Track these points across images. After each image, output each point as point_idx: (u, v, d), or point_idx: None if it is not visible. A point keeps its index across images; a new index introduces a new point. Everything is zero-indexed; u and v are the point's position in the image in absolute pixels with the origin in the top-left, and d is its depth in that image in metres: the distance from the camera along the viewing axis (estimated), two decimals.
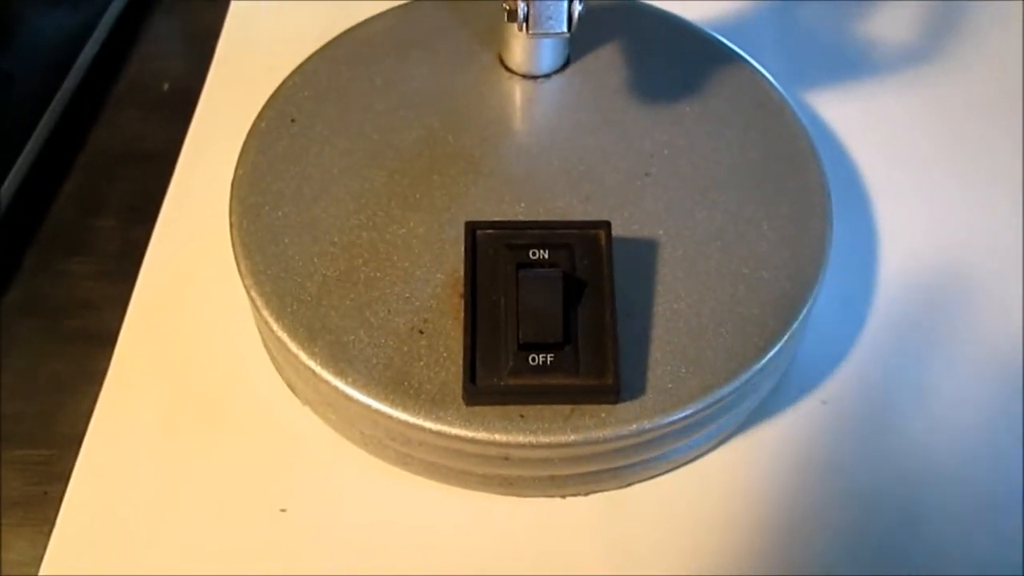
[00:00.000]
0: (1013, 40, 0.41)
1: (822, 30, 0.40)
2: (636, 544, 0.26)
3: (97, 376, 0.29)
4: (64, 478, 0.27)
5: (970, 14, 0.41)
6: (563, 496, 0.27)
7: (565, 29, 0.26)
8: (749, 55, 0.33)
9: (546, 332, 0.24)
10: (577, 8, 0.26)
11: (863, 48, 0.39)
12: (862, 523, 0.26)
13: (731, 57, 0.32)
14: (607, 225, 0.25)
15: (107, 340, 0.30)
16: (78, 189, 0.35)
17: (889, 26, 0.41)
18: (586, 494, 0.27)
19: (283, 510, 0.27)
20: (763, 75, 0.32)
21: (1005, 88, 0.39)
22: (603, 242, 0.25)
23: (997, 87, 0.39)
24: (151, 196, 0.34)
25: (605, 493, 0.27)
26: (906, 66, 0.39)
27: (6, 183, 0.33)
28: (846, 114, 0.36)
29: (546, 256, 0.25)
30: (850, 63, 0.39)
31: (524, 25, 0.26)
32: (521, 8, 0.26)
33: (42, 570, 0.26)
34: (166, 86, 0.39)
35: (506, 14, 0.27)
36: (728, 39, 0.33)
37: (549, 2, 0.25)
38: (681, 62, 0.32)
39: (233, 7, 0.41)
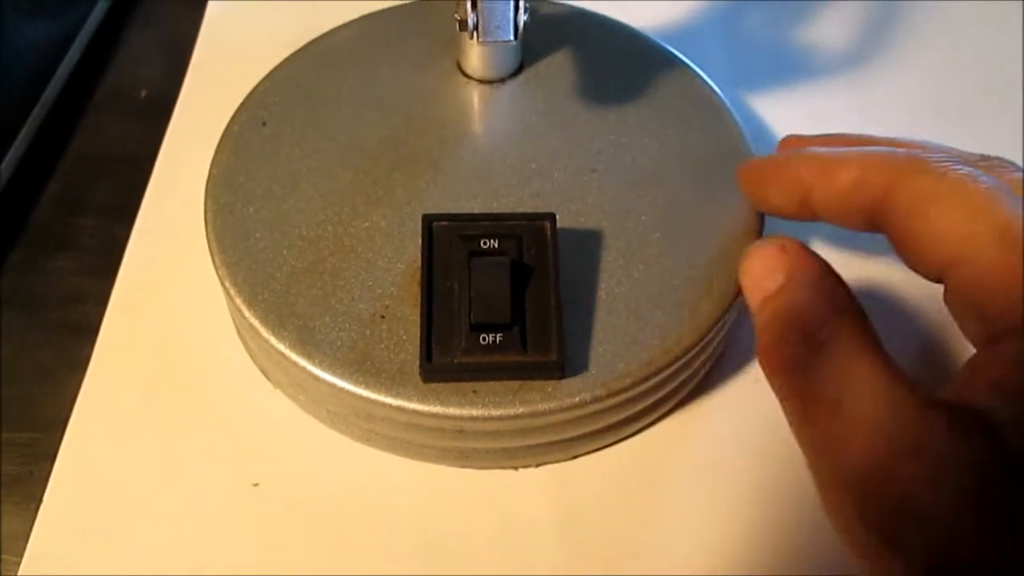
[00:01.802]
0: (949, 42, 0.42)
1: (764, 36, 0.42)
2: (584, 512, 0.28)
3: (81, 364, 0.30)
4: (50, 458, 0.28)
5: (907, 18, 0.43)
6: (515, 468, 0.28)
7: (512, 37, 0.28)
8: (694, 60, 0.34)
9: (495, 314, 0.25)
10: (522, 18, 0.28)
11: (803, 52, 0.41)
12: (797, 490, 0.28)
13: (674, 62, 0.34)
14: (552, 217, 0.27)
15: (90, 330, 0.31)
16: (61, 190, 0.36)
17: (828, 30, 0.42)
18: (537, 465, 0.28)
19: (256, 485, 0.28)
20: (703, 79, 0.34)
21: (940, 90, 0.40)
22: (548, 232, 0.27)
23: (933, 88, 0.40)
24: (130, 196, 0.35)
25: (555, 464, 0.28)
26: (842, 69, 0.41)
27: None
28: (785, 114, 0.38)
29: (496, 245, 0.26)
30: (791, 66, 0.40)
31: (474, 34, 0.28)
32: (471, 18, 0.27)
33: (30, 544, 0.27)
34: (144, 92, 0.40)
35: (457, 24, 0.28)
36: (674, 45, 0.35)
37: (496, 13, 0.27)
38: (627, 67, 0.34)
39: (208, 18, 0.42)
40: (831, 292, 0.22)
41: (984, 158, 0.24)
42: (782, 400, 0.21)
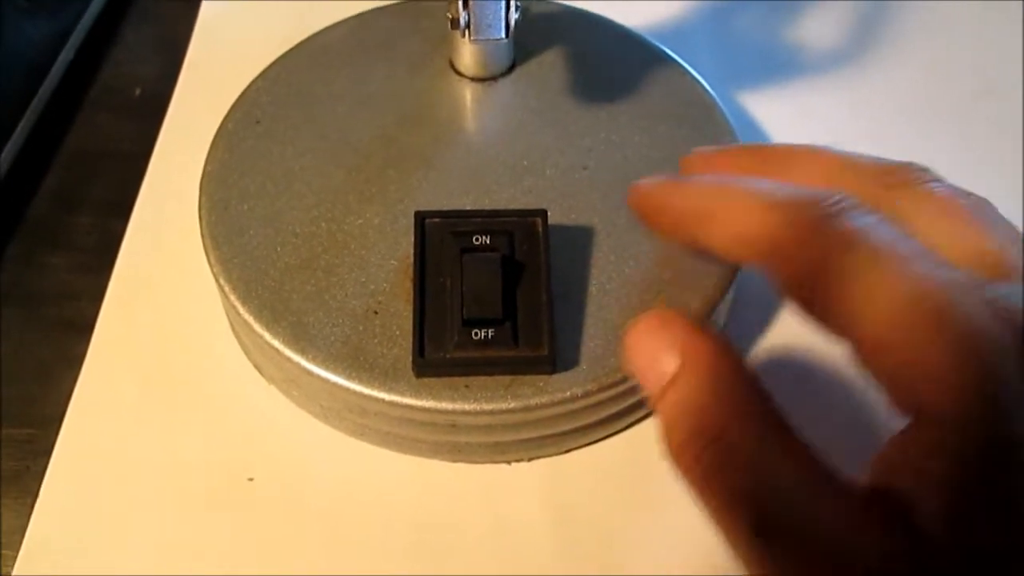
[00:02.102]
0: (938, 41, 0.43)
1: (754, 34, 0.42)
2: (576, 505, 0.28)
3: (77, 360, 0.30)
4: (46, 454, 0.28)
5: (896, 17, 0.43)
6: (508, 462, 0.29)
7: (503, 35, 0.28)
8: (684, 59, 0.35)
9: (487, 309, 0.25)
10: (514, 16, 0.28)
11: (793, 51, 0.42)
12: None
13: (665, 60, 0.35)
14: (543, 213, 0.27)
15: (86, 327, 0.31)
16: (57, 187, 0.36)
17: (817, 30, 0.43)
18: (529, 460, 0.29)
19: (251, 479, 0.28)
20: (694, 76, 0.34)
21: (930, 88, 0.41)
22: (540, 228, 0.27)
23: (922, 87, 0.41)
24: (126, 192, 0.35)
25: (547, 459, 0.29)
26: (832, 67, 0.41)
27: None
28: (775, 112, 0.38)
29: (488, 242, 0.27)
30: (780, 65, 0.41)
31: (466, 32, 0.28)
32: (462, 17, 0.28)
33: (26, 539, 0.27)
34: (138, 90, 0.40)
35: (449, 22, 0.29)
36: (664, 44, 0.35)
37: (488, 11, 0.27)
38: (618, 65, 0.34)
39: (202, 16, 0.42)
40: (734, 380, 0.20)
41: (901, 168, 0.22)
42: (698, 497, 0.20)
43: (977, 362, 0.17)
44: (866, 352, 0.19)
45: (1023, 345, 0.17)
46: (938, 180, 0.22)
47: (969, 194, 0.21)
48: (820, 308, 0.20)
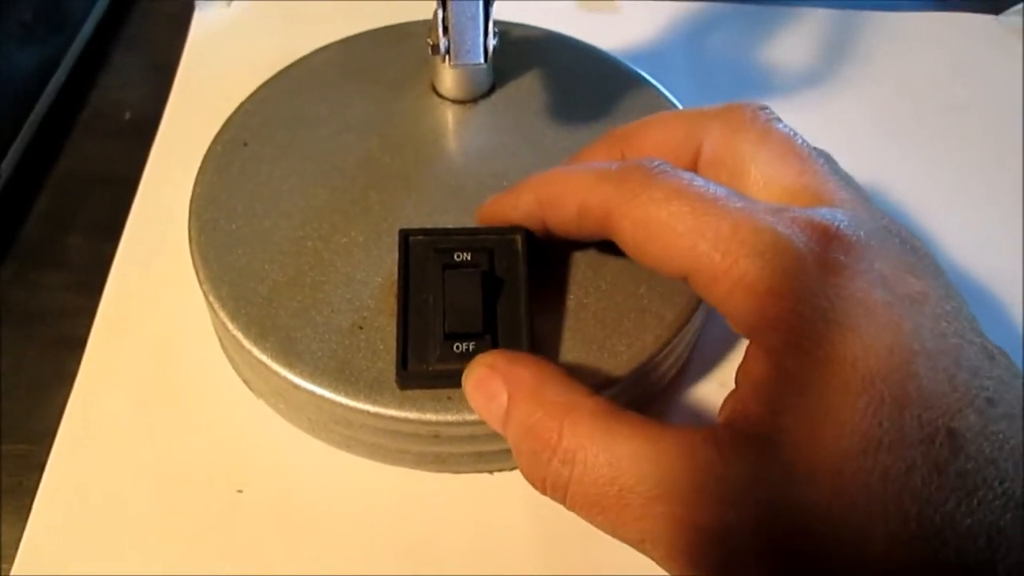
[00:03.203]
0: (910, 59, 0.44)
1: (727, 56, 0.43)
2: (559, 514, 0.28)
3: (70, 376, 0.31)
4: (40, 468, 0.29)
5: (865, 36, 0.45)
6: (491, 471, 0.29)
7: (482, 60, 0.29)
8: (659, 80, 0.36)
9: (468, 323, 0.26)
10: (492, 42, 0.29)
11: (765, 71, 0.43)
12: None
13: (639, 82, 0.36)
14: (523, 231, 0.28)
15: (78, 345, 0.32)
16: (49, 209, 0.37)
17: (789, 50, 0.44)
18: (511, 469, 0.29)
19: (240, 491, 0.29)
20: (667, 98, 0.35)
21: (898, 104, 0.42)
22: (519, 246, 0.28)
23: (896, 105, 0.42)
24: (116, 215, 0.36)
25: None
26: (805, 86, 0.42)
27: None
28: None
29: (469, 258, 0.27)
30: (753, 85, 0.42)
31: (446, 57, 0.29)
32: (443, 43, 0.29)
33: (20, 550, 0.27)
34: (128, 114, 0.41)
35: (430, 48, 0.30)
36: (640, 66, 0.36)
37: (466, 38, 0.28)
38: (594, 87, 0.35)
39: (190, 42, 0.43)
40: (552, 394, 0.22)
41: (728, 108, 0.25)
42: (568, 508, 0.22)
43: (789, 263, 0.20)
44: (702, 285, 0.22)
45: (820, 240, 0.20)
46: (777, 119, 0.25)
47: (798, 135, 0.25)
48: (651, 257, 0.23)
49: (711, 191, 0.22)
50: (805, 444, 0.19)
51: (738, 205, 0.21)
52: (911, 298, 0.20)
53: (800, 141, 0.24)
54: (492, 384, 0.23)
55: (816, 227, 0.21)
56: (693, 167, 0.26)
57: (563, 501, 0.22)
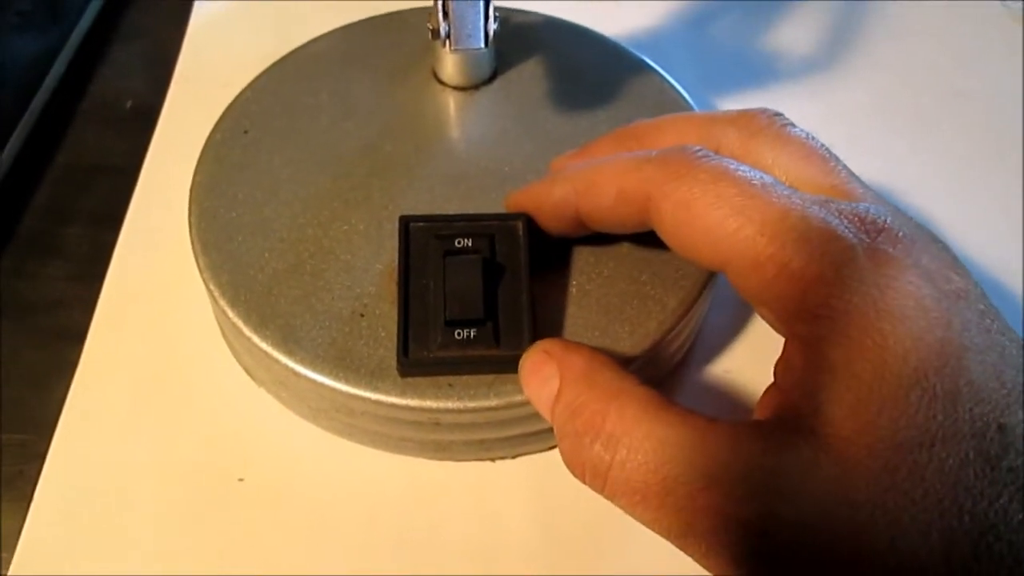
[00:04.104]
0: (912, 46, 0.44)
1: (730, 42, 0.43)
2: (560, 501, 0.28)
3: (70, 367, 0.31)
4: (40, 458, 0.29)
5: (866, 24, 0.45)
6: (492, 459, 0.29)
7: (482, 44, 0.29)
8: (662, 66, 0.36)
9: (469, 310, 0.26)
10: (492, 26, 0.29)
11: (768, 58, 0.43)
12: None
13: (642, 68, 0.35)
14: (524, 217, 0.28)
15: (78, 335, 0.32)
16: (49, 199, 0.37)
17: (791, 37, 0.44)
18: (513, 457, 0.29)
19: (241, 479, 0.29)
20: (671, 84, 0.35)
21: (899, 92, 0.42)
22: (520, 232, 0.28)
23: (898, 91, 0.42)
24: (117, 205, 0.35)
25: (531, 456, 0.29)
26: (807, 73, 0.42)
27: None
28: None
29: (470, 244, 0.27)
30: (756, 72, 0.42)
31: (446, 42, 0.29)
32: (443, 27, 0.29)
33: (21, 540, 0.27)
34: (129, 103, 0.41)
35: (430, 32, 0.30)
36: (642, 52, 0.36)
37: (467, 22, 0.28)
38: (597, 74, 0.35)
39: (190, 31, 0.43)
40: (602, 379, 0.22)
41: (743, 114, 0.25)
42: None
43: (840, 252, 0.20)
44: (728, 272, 0.22)
45: (869, 232, 0.20)
46: (792, 124, 0.25)
47: (816, 138, 0.24)
48: (689, 241, 0.22)
49: (758, 177, 0.22)
50: (857, 437, 0.18)
51: (785, 193, 0.21)
52: (956, 294, 0.20)
53: (819, 144, 0.24)
54: (546, 368, 0.24)
55: (864, 219, 0.20)
56: None
57: (602, 489, 0.21)
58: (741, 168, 0.22)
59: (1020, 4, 0.46)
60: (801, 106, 0.40)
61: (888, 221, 0.21)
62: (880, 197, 0.23)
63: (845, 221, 0.20)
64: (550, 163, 0.30)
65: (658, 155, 0.24)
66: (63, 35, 0.42)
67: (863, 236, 0.20)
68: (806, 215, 0.20)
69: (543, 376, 0.24)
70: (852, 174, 0.24)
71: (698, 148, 0.23)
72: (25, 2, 0.39)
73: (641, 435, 0.20)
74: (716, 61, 0.42)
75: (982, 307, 0.20)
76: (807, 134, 0.25)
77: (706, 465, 0.19)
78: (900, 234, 0.20)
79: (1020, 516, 0.17)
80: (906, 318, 0.19)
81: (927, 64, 0.43)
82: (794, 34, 0.44)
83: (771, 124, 0.25)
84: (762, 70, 0.42)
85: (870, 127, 0.40)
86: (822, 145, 0.24)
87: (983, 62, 0.43)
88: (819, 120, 0.40)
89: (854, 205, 0.21)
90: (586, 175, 0.26)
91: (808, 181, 0.23)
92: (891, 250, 0.20)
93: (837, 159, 0.24)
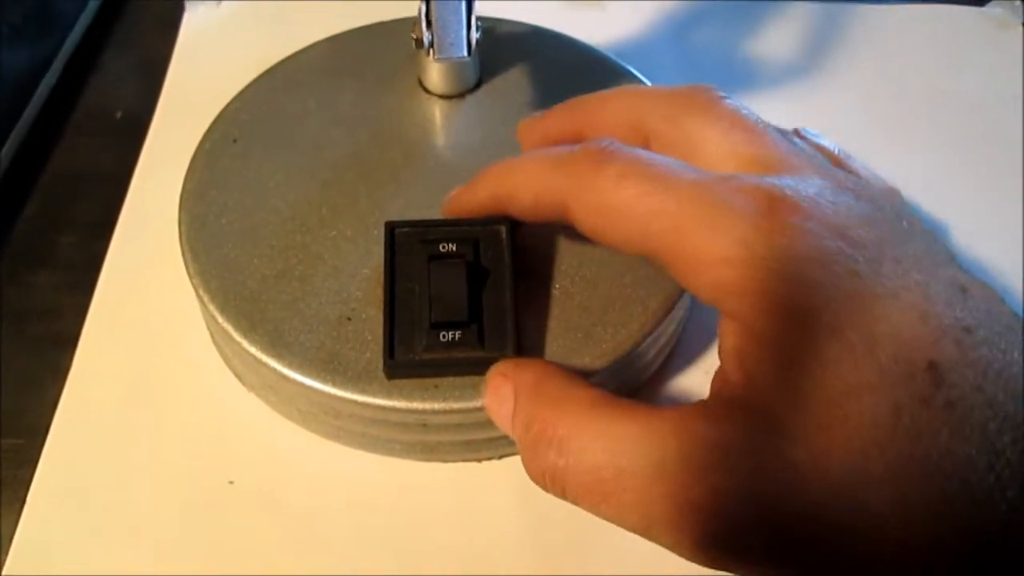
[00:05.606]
0: (892, 52, 0.44)
1: (712, 49, 0.44)
2: (546, 501, 0.28)
3: (62, 372, 0.31)
4: (33, 463, 0.29)
5: (847, 29, 0.45)
6: (479, 460, 0.30)
7: (465, 53, 0.29)
8: (644, 73, 0.36)
9: (454, 312, 0.26)
10: (475, 35, 0.30)
11: (750, 65, 0.43)
12: None
13: (624, 76, 0.36)
14: (508, 221, 0.28)
15: (70, 342, 0.32)
16: (41, 208, 0.37)
17: (774, 43, 0.44)
18: (500, 457, 0.30)
19: (231, 482, 0.29)
20: None
21: (881, 95, 0.42)
22: (504, 236, 0.28)
23: (874, 94, 0.42)
24: (108, 213, 0.36)
25: (517, 456, 0.29)
26: (790, 78, 0.43)
27: None
28: None
29: (454, 249, 0.28)
30: (739, 78, 0.42)
31: (430, 51, 0.30)
32: (426, 37, 0.29)
33: (14, 543, 0.28)
34: (119, 113, 0.41)
35: (414, 42, 0.30)
36: (624, 60, 0.37)
37: (449, 31, 0.29)
38: (579, 81, 0.35)
39: (180, 41, 0.43)
40: (550, 389, 0.23)
41: (677, 90, 0.26)
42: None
43: (738, 231, 0.20)
44: (665, 264, 0.22)
45: (767, 205, 0.20)
46: (725, 96, 0.25)
47: (748, 109, 0.25)
48: (608, 241, 0.23)
49: (661, 167, 0.22)
50: (786, 402, 0.19)
51: (688, 177, 0.22)
52: (861, 244, 0.20)
53: (747, 113, 0.25)
54: (503, 389, 0.24)
55: (762, 192, 0.21)
56: (647, 144, 0.26)
57: (563, 494, 0.22)
58: (642, 159, 0.22)
59: (1002, 10, 0.47)
60: (784, 109, 0.41)
61: (788, 190, 0.21)
62: (812, 160, 0.23)
63: (743, 197, 0.21)
64: (518, 127, 0.30)
65: (569, 156, 0.24)
66: (55, 47, 0.42)
67: (762, 209, 0.20)
68: (704, 199, 0.21)
69: (501, 396, 0.24)
70: (781, 140, 0.24)
71: (605, 143, 0.23)
72: (17, 15, 0.39)
73: (590, 435, 0.21)
74: (700, 68, 0.43)
75: (900, 252, 0.20)
76: (737, 104, 0.25)
77: (654, 454, 0.20)
78: (800, 201, 0.20)
79: (966, 449, 0.17)
80: (812, 280, 0.19)
81: (909, 68, 0.44)
82: (777, 41, 0.45)
83: (703, 98, 0.25)
84: (746, 77, 0.43)
85: (854, 132, 0.41)
86: (751, 114, 0.25)
87: (965, 66, 0.44)
88: (803, 124, 0.41)
89: (755, 178, 0.21)
90: (504, 181, 0.26)
91: (733, 153, 0.24)
92: (790, 219, 0.20)
93: (767, 127, 0.24)
